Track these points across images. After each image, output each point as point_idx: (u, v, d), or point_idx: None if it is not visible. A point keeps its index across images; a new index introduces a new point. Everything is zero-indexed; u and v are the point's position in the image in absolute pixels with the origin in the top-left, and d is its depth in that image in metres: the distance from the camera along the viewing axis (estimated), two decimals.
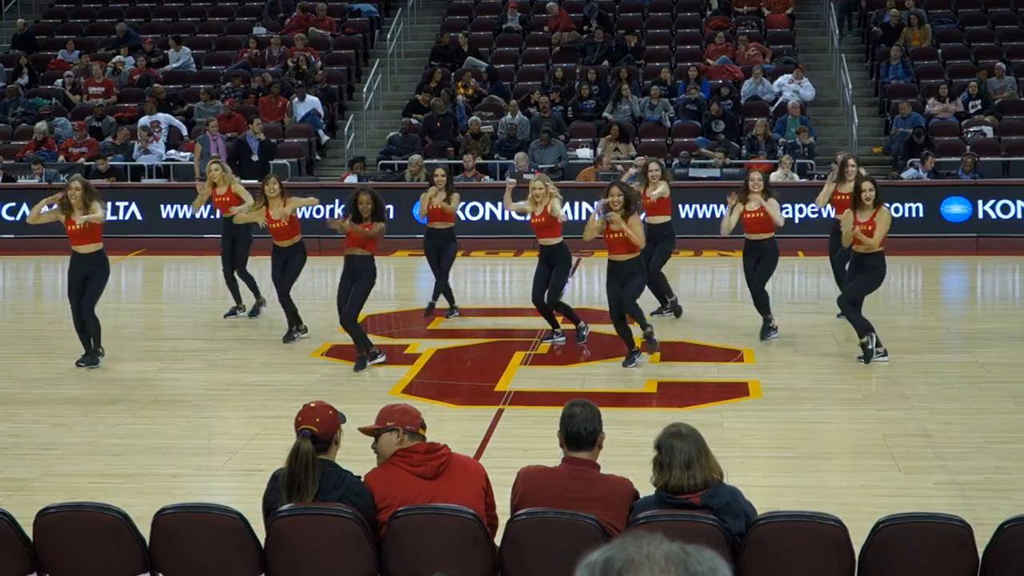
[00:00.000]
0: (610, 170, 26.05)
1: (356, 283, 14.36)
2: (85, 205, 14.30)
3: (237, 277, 17.08)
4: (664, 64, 30.02)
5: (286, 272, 15.70)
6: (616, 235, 14.08)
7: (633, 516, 6.76)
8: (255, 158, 26.19)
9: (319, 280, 19.67)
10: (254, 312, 17.21)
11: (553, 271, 15.29)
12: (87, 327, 14.54)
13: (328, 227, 14.84)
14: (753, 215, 15.45)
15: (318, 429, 6.95)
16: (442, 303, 17.22)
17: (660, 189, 16.46)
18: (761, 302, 15.63)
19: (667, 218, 16.67)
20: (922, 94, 28.34)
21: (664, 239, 16.53)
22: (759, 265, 15.55)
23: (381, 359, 14.61)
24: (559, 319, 15.60)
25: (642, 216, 15.34)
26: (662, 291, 16.93)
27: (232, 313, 17.20)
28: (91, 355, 14.59)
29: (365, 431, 7.18)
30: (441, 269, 17.00)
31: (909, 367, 14.46)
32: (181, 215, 24.74)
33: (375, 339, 16.31)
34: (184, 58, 31.09)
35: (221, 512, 7.01)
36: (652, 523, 6.43)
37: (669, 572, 2.67)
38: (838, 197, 16.31)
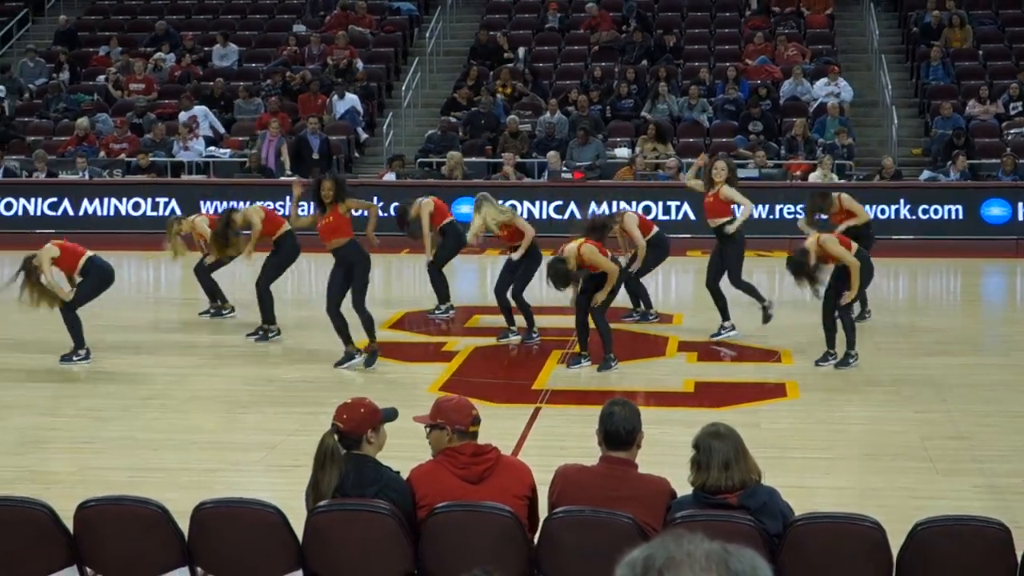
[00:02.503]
0: (645, 169, 26.06)
1: (352, 275, 14.20)
2: None
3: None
4: (703, 64, 29.98)
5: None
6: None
7: (670, 516, 6.76)
8: (316, 156, 26.27)
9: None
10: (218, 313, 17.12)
11: (522, 267, 15.51)
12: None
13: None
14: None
15: (343, 425, 7.00)
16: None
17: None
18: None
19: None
20: (962, 95, 28.21)
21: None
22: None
23: (358, 360, 14.45)
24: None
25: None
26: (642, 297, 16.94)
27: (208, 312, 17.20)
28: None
29: (418, 420, 7.25)
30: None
31: (948, 369, 14.40)
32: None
33: (413, 337, 16.37)
34: (232, 56, 31.19)
35: (259, 507, 7.04)
36: (689, 523, 6.43)
37: (710, 571, 2.67)
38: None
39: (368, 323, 14.35)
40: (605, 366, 14.25)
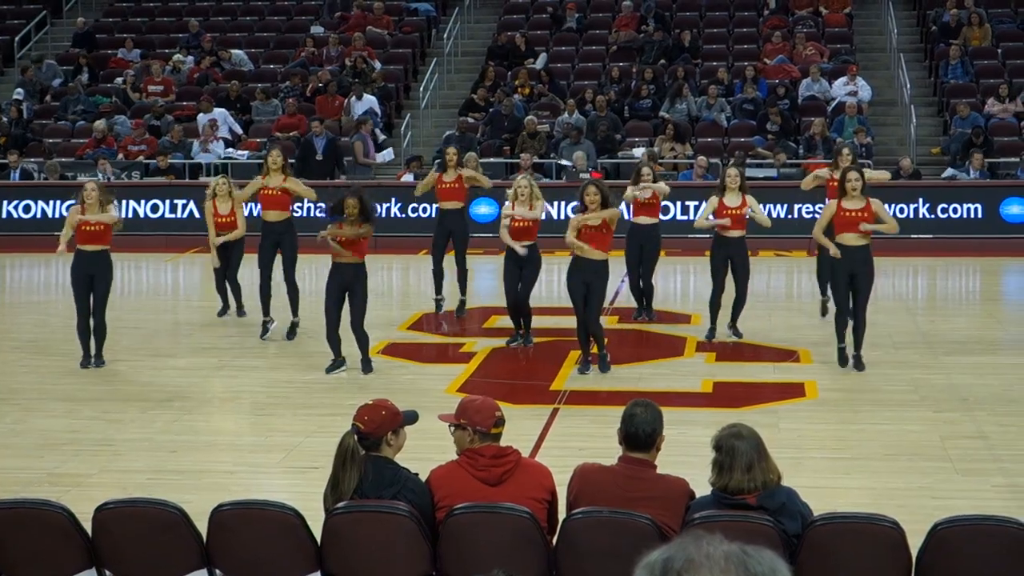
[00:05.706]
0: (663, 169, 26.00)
1: (352, 296, 13.96)
2: (101, 206, 14.45)
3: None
4: (721, 63, 29.96)
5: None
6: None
7: (689, 516, 6.74)
8: (319, 157, 26.25)
9: (376, 278, 19.59)
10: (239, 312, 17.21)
11: (524, 272, 15.32)
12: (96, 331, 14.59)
13: (320, 242, 13.89)
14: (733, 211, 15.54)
15: (364, 427, 7.00)
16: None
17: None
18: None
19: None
20: (981, 94, 28.13)
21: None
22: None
23: (343, 369, 14.30)
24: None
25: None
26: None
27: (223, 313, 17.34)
28: (95, 358, 14.61)
29: (443, 419, 7.27)
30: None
31: (967, 369, 14.35)
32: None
33: (431, 338, 16.38)
34: (244, 62, 31.22)
35: (277, 509, 7.03)
36: (708, 524, 6.42)
37: (729, 572, 2.66)
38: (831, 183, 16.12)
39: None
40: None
